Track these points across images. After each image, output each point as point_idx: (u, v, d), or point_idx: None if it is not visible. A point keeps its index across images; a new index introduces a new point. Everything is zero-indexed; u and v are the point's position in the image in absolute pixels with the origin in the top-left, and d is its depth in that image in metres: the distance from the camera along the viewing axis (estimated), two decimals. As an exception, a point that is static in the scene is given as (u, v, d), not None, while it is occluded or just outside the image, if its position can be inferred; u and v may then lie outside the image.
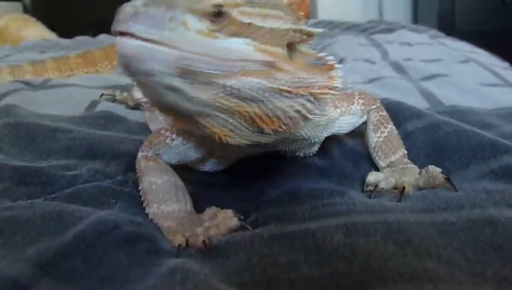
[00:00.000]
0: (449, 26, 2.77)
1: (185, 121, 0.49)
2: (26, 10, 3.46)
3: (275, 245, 0.46)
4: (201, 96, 0.44)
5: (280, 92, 0.47)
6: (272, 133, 0.50)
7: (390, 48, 1.48)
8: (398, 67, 1.21)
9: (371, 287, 0.37)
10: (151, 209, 0.54)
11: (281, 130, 0.50)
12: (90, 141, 0.73)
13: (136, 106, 1.03)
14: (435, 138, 0.69)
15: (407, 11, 3.38)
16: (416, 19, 3.29)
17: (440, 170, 0.58)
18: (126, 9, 0.41)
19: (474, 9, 2.77)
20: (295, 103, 0.49)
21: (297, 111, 0.50)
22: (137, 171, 0.58)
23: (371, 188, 0.59)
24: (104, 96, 1.08)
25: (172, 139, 0.58)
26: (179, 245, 0.49)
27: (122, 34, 0.41)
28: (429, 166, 0.59)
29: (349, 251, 0.42)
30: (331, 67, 0.53)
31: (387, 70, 1.20)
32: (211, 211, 0.54)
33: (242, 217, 0.53)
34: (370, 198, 0.57)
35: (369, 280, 0.38)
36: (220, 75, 0.43)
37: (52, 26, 3.04)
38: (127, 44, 0.40)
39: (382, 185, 0.58)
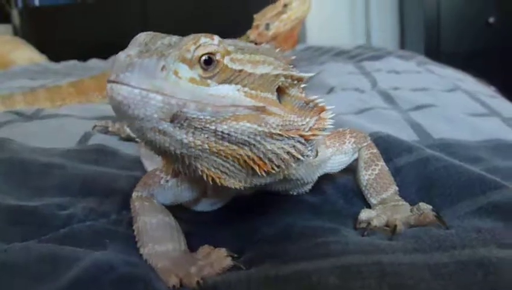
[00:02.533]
0: (435, 48, 2.83)
1: (178, 163, 0.50)
2: (16, 32, 3.46)
3: (270, 288, 0.46)
4: (194, 141, 0.46)
5: (271, 135, 0.49)
6: (264, 175, 0.51)
7: (378, 77, 1.50)
8: (387, 97, 1.23)
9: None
10: (146, 250, 0.54)
11: (274, 171, 0.52)
12: (84, 177, 0.73)
13: (129, 138, 1.03)
14: (425, 174, 0.70)
15: (394, 35, 3.44)
16: (403, 41, 3.35)
17: (431, 207, 0.59)
18: (121, 59, 0.43)
19: (460, 32, 2.83)
20: (286, 145, 0.51)
21: (289, 153, 0.51)
22: (131, 211, 0.58)
23: (364, 225, 0.60)
24: (96, 127, 1.08)
25: (167, 181, 0.59)
26: (173, 286, 0.49)
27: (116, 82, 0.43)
28: (420, 203, 0.60)
29: (343, 296, 0.43)
30: (322, 109, 0.55)
31: (376, 100, 1.22)
32: (204, 250, 0.54)
33: (236, 256, 0.53)
34: (363, 236, 0.57)
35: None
36: (212, 120, 0.45)
37: (41, 48, 3.05)
38: (120, 90, 0.42)
39: (375, 222, 0.59)
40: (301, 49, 2.55)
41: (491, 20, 2.76)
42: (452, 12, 2.82)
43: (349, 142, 0.66)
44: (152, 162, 0.75)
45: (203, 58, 0.45)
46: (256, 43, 1.54)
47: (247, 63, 0.48)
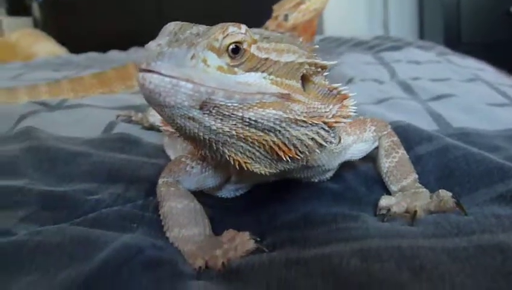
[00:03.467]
0: (455, 39, 2.80)
1: (206, 148, 0.52)
2: (36, 25, 3.51)
3: (292, 270, 0.48)
4: (222, 127, 0.47)
5: (296, 121, 0.50)
6: (289, 160, 0.53)
7: (398, 67, 1.50)
8: (406, 87, 1.23)
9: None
10: (172, 233, 0.56)
11: (298, 157, 0.53)
12: (110, 165, 0.76)
13: (151, 127, 1.05)
14: (445, 162, 0.71)
15: (413, 25, 3.41)
16: (422, 32, 3.32)
17: (451, 194, 0.60)
18: (152, 48, 0.45)
19: (480, 21, 2.80)
20: (310, 131, 0.52)
21: (313, 139, 0.53)
22: (157, 196, 0.60)
23: (384, 212, 0.61)
24: (120, 117, 1.11)
25: (192, 167, 0.61)
26: (199, 268, 0.51)
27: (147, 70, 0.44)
28: (440, 190, 0.61)
29: (365, 277, 0.44)
30: (345, 97, 0.56)
31: (396, 90, 1.22)
32: (228, 233, 0.56)
33: (258, 239, 0.55)
34: (383, 222, 0.58)
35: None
36: (239, 107, 0.47)
37: (62, 41, 3.09)
38: (151, 78, 0.43)
39: (394, 209, 0.60)
40: (319, 40, 2.55)
41: (512, 9, 2.72)
42: (472, 2, 2.79)
43: (369, 130, 0.67)
44: (175, 151, 0.77)
45: (231, 47, 0.47)
46: (275, 34, 1.55)
47: (273, 51, 0.50)
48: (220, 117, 0.47)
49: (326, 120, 0.53)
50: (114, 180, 0.72)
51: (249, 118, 0.47)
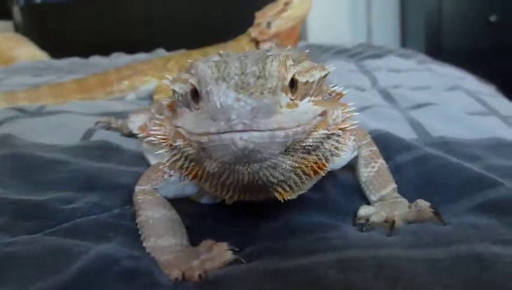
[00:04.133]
0: (437, 47, 2.84)
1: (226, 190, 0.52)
2: (17, 29, 3.46)
3: (271, 280, 0.47)
4: (292, 163, 0.48)
5: (332, 136, 0.51)
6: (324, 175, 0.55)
7: (379, 75, 1.51)
8: (387, 96, 1.24)
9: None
10: (148, 243, 0.55)
11: (323, 172, 0.54)
12: (87, 173, 0.74)
13: (131, 134, 1.04)
14: (424, 172, 0.71)
15: (396, 33, 3.44)
16: (404, 39, 3.35)
17: (429, 204, 0.60)
18: (230, 104, 0.42)
19: (461, 30, 2.84)
20: (335, 141, 0.53)
21: (336, 148, 0.54)
22: (134, 205, 0.59)
23: (363, 221, 0.60)
24: (99, 124, 1.09)
25: (170, 175, 0.59)
26: (176, 279, 0.50)
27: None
28: (418, 200, 0.61)
29: (342, 288, 0.44)
30: (340, 95, 0.57)
31: (376, 98, 1.23)
32: (206, 244, 0.55)
33: (237, 250, 0.54)
34: (362, 231, 0.58)
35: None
36: (304, 138, 0.47)
37: (43, 45, 3.05)
38: (252, 137, 0.42)
39: (373, 219, 0.60)
40: (302, 47, 2.55)
41: (492, 18, 2.76)
42: (453, 11, 2.83)
43: (349, 140, 0.67)
44: (155, 157, 0.76)
45: (291, 82, 0.47)
46: (257, 41, 1.55)
47: (305, 73, 0.50)
48: (292, 154, 0.47)
49: (342, 126, 0.54)
50: (91, 188, 0.70)
51: (308, 145, 0.48)
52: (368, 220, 0.60)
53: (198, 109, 0.47)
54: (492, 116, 1.06)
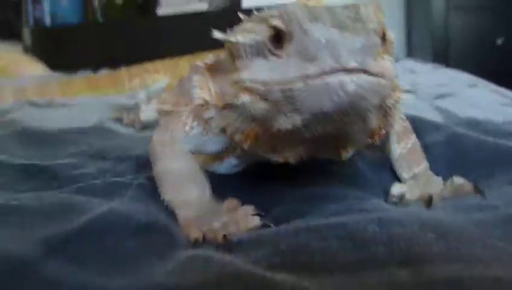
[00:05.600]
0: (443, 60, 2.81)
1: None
2: (26, 50, 3.47)
3: (303, 236, 0.42)
4: (374, 122, 0.43)
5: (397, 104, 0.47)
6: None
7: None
8: (407, 90, 1.20)
9: (417, 266, 0.34)
10: (167, 196, 0.50)
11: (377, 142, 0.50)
12: (98, 146, 0.70)
13: (144, 127, 0.99)
14: (456, 150, 0.67)
15: (401, 56, 3.44)
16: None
17: (466, 180, 0.56)
18: (338, 39, 0.37)
19: (467, 53, 2.80)
20: (396, 109, 0.49)
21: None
22: (151, 155, 0.53)
23: (396, 199, 0.56)
24: (109, 118, 1.05)
25: (192, 127, 0.53)
26: (196, 239, 0.45)
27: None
28: (453, 177, 0.57)
29: (386, 239, 0.39)
30: None
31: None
32: (230, 203, 0.50)
33: (263, 214, 0.49)
34: (396, 207, 0.54)
35: (414, 261, 0.35)
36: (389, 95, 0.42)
37: (52, 67, 3.04)
38: (361, 80, 0.37)
39: (408, 196, 0.55)
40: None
41: (499, 41, 2.73)
42: (460, 34, 2.81)
43: None
44: None
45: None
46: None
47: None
48: (377, 110, 0.42)
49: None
50: (103, 158, 0.66)
51: (387, 106, 0.43)
52: (401, 198, 0.55)
53: (280, 56, 0.41)
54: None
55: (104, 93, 1.42)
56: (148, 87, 1.44)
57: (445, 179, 0.58)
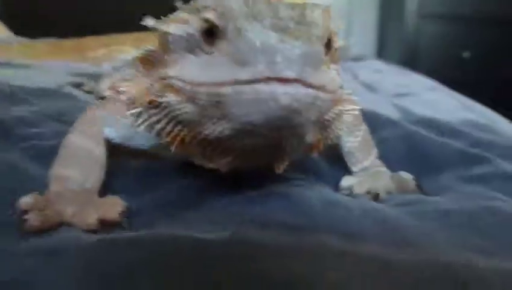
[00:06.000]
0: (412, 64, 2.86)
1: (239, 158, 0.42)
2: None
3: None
4: (311, 138, 0.40)
5: (340, 117, 0.44)
6: None
7: (360, 72, 1.50)
8: (368, 87, 1.23)
9: (353, 242, 0.35)
10: (53, 169, 0.45)
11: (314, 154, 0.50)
12: (56, 108, 0.69)
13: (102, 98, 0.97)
14: (408, 146, 0.70)
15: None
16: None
17: (411, 176, 0.58)
18: (274, 44, 0.32)
19: (435, 67, 2.86)
20: (339, 123, 0.46)
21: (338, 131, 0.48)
22: (75, 123, 0.49)
23: (346, 192, 0.57)
24: (70, 83, 1.02)
25: (120, 118, 0.48)
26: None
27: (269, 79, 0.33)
28: (400, 172, 0.59)
29: (328, 214, 0.42)
30: None
31: (359, 88, 1.22)
32: (112, 200, 0.45)
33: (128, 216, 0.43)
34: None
35: (350, 238, 0.37)
36: (330, 109, 0.39)
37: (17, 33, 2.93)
38: (296, 93, 0.33)
39: (356, 190, 0.56)
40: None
41: (465, 55, 2.79)
42: (430, 42, 2.86)
43: None
44: None
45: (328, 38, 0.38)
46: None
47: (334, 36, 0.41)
48: (315, 125, 0.39)
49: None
50: (58, 120, 0.64)
51: (327, 120, 0.40)
52: (351, 191, 0.56)
53: (211, 53, 0.37)
54: (474, 113, 1.05)
55: (67, 59, 1.38)
56: (113, 58, 1.41)
57: (393, 172, 0.60)
